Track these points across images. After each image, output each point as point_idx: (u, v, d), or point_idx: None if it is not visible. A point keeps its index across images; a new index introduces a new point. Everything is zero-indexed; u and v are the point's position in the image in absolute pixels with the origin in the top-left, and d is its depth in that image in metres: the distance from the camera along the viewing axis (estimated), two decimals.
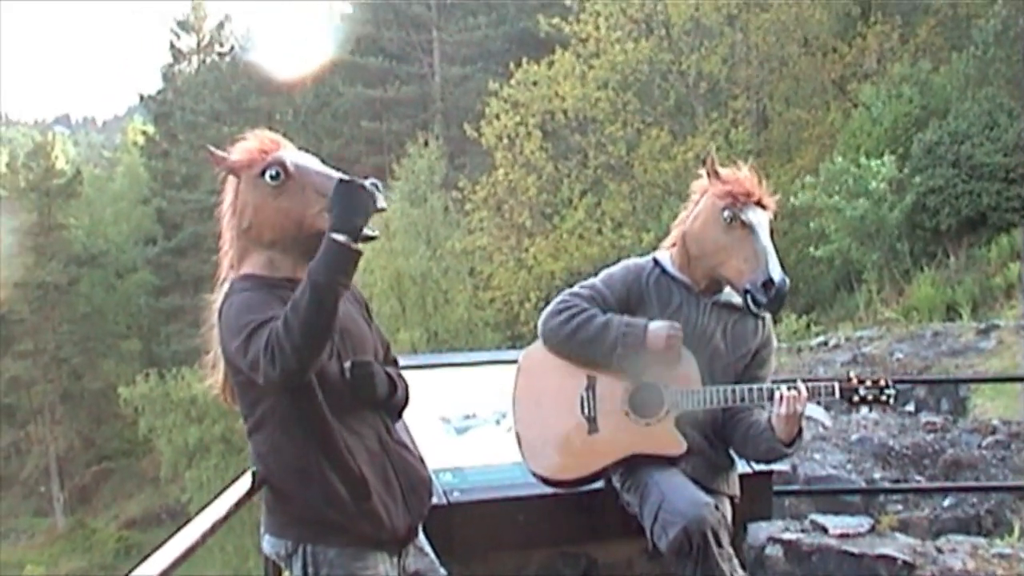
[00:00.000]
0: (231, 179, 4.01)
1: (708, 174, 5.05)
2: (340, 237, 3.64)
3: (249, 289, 3.86)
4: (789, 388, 4.83)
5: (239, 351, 3.73)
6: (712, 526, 4.66)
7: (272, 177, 3.87)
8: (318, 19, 53.30)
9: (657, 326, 4.91)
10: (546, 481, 5.13)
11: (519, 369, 5.26)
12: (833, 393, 4.98)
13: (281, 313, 3.64)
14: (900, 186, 25.54)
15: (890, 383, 5.01)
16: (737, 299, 5.03)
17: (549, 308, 5.15)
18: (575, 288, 5.19)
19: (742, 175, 5.01)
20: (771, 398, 4.87)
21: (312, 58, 49.01)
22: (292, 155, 3.93)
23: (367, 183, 3.72)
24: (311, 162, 3.94)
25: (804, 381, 4.93)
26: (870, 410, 5.04)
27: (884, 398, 4.98)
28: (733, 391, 4.92)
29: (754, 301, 4.82)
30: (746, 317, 5.08)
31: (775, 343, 5.26)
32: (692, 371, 4.95)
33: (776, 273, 4.76)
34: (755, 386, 4.94)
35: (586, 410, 5.04)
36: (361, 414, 3.95)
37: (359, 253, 3.69)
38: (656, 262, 5.19)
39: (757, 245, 4.84)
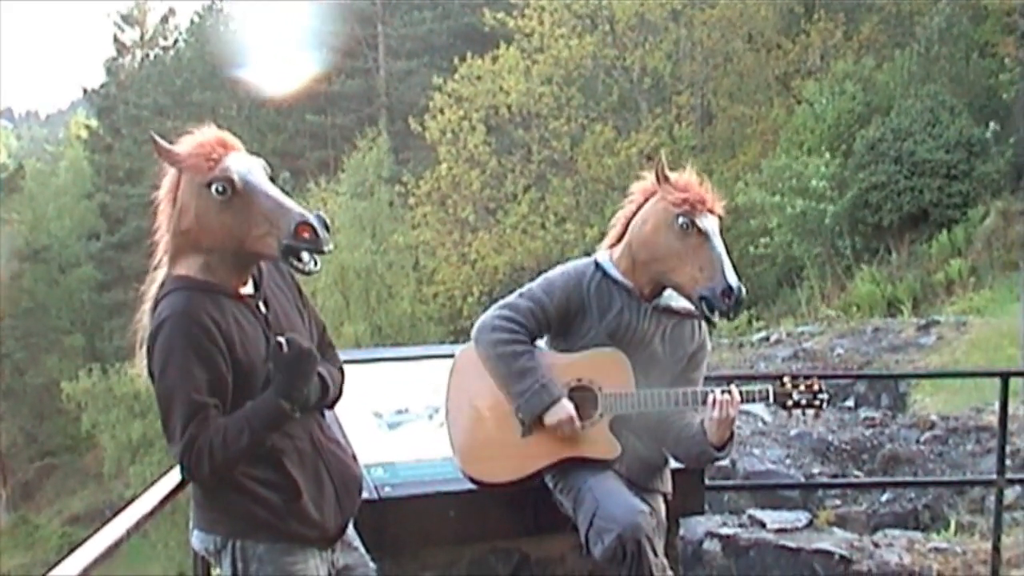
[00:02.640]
0: (172, 168, 3.90)
1: (658, 178, 4.95)
2: (287, 406, 3.78)
3: (184, 299, 3.78)
4: (723, 392, 4.83)
5: (161, 408, 3.78)
6: (647, 534, 4.65)
7: (219, 191, 3.75)
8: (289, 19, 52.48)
9: (560, 407, 4.89)
10: (477, 483, 5.10)
11: (453, 368, 5.22)
12: (767, 398, 5.01)
13: (207, 390, 3.72)
14: (842, 182, 25.70)
15: (823, 387, 5.04)
16: (675, 303, 5.01)
17: (487, 317, 5.08)
18: (516, 299, 5.09)
19: (692, 179, 4.94)
20: (704, 402, 4.87)
21: (294, 68, 48.43)
22: (241, 166, 3.80)
23: (313, 219, 3.69)
24: (260, 178, 3.81)
25: (737, 384, 4.93)
26: (803, 415, 5.00)
27: (817, 402, 5.02)
28: (667, 394, 4.91)
29: (710, 308, 4.74)
30: (683, 321, 5.05)
31: (709, 346, 5.24)
32: (627, 374, 4.93)
33: (733, 280, 4.69)
34: (689, 389, 4.93)
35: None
36: None
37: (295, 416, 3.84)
38: (598, 265, 5.11)
39: (713, 252, 4.77)
